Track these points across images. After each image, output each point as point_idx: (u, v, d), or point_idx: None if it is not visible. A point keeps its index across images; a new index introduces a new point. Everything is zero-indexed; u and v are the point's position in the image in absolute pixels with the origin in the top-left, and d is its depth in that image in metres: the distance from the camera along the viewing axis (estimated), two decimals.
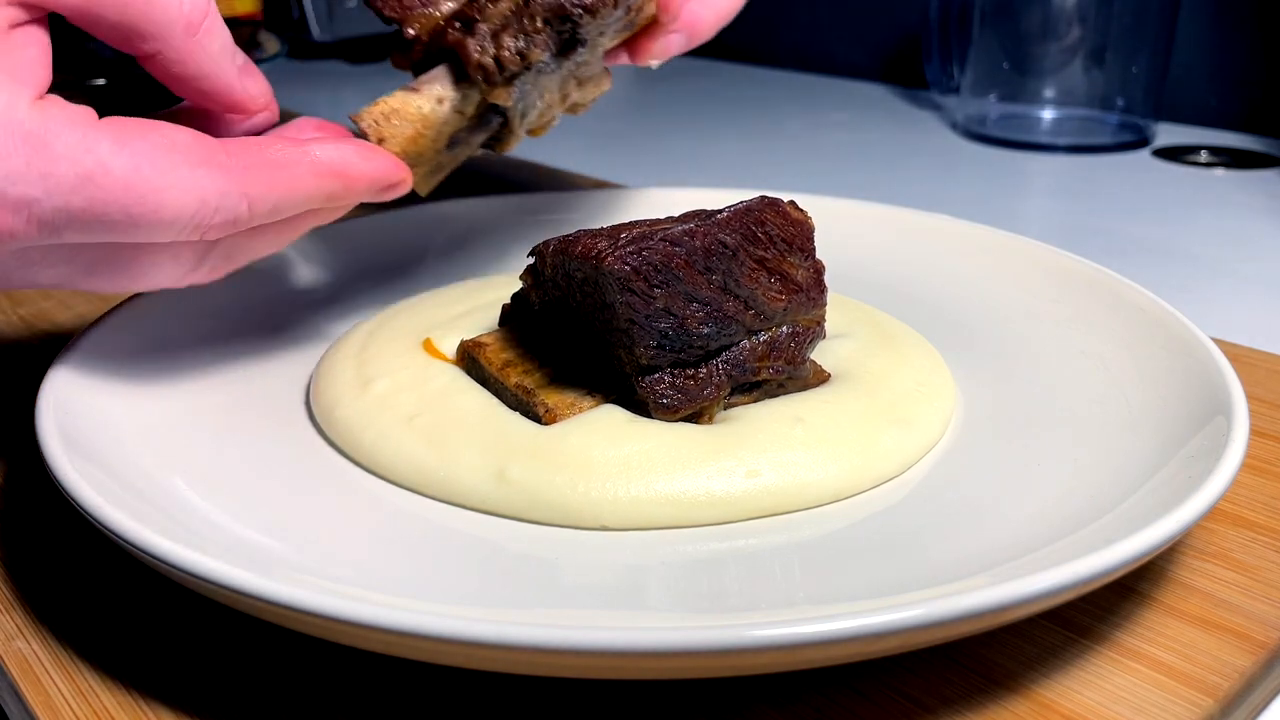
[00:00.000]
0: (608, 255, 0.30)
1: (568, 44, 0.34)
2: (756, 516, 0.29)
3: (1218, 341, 0.39)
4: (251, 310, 0.41)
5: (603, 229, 0.32)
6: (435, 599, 0.26)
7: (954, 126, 0.91)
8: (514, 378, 0.33)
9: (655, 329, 0.30)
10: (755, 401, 0.33)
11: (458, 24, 0.34)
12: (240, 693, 0.25)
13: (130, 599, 0.29)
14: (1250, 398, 0.30)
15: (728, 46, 1.13)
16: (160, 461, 0.30)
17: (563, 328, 0.34)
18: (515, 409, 0.32)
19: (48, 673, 0.26)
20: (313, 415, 0.34)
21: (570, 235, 0.33)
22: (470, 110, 0.35)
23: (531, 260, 0.35)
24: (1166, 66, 0.83)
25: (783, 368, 0.33)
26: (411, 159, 0.34)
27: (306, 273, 0.45)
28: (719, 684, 0.25)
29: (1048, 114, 0.86)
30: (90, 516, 0.25)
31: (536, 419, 0.31)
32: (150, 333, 0.37)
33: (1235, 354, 0.40)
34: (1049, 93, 0.85)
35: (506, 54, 0.33)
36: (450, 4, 0.36)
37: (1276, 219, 0.65)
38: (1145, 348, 0.34)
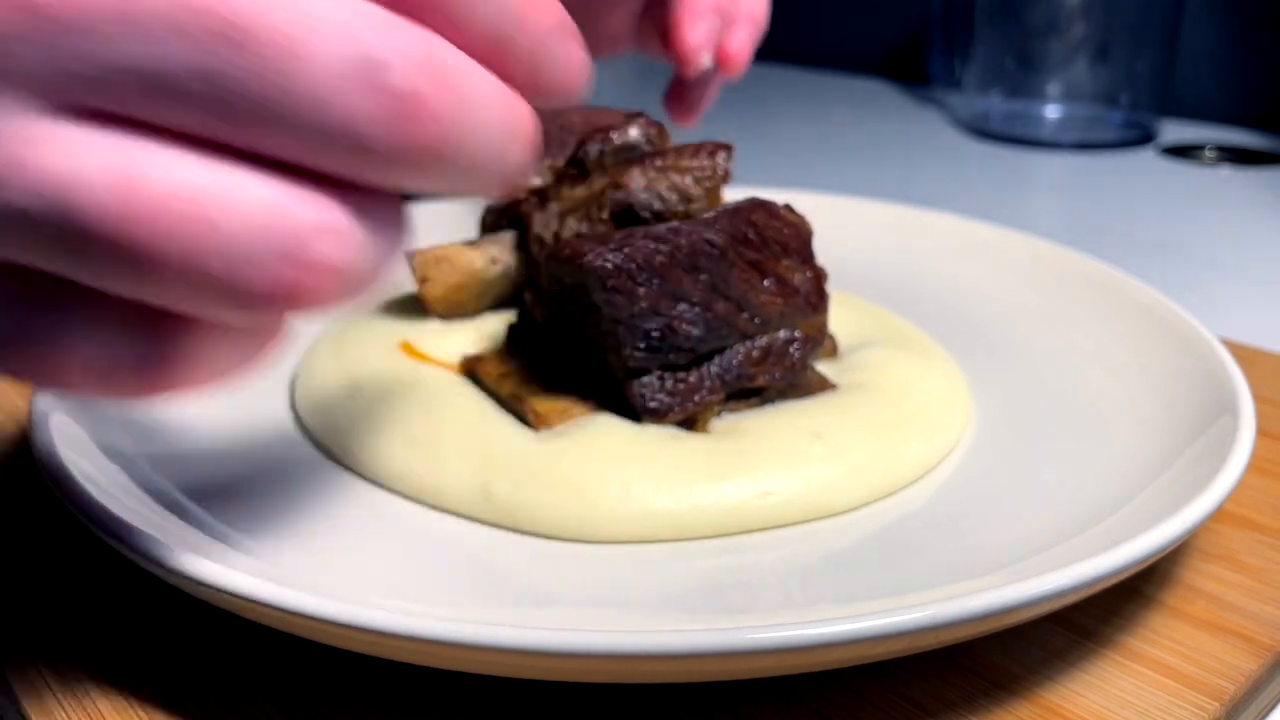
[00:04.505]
0: (588, 254, 0.30)
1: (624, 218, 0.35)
2: (763, 529, 0.29)
3: (1224, 341, 0.39)
4: None
5: (595, 234, 0.33)
6: (426, 602, 0.25)
7: (957, 123, 0.90)
8: (508, 387, 0.33)
9: (641, 329, 0.30)
10: (755, 408, 0.33)
11: (535, 198, 0.36)
12: (237, 694, 0.25)
13: (126, 600, 0.28)
14: (1257, 398, 0.29)
15: None
16: (149, 462, 0.30)
17: (564, 339, 0.34)
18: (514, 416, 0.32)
19: (41, 675, 0.26)
20: (301, 415, 0.34)
21: (562, 241, 0.33)
22: (519, 279, 0.37)
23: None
24: (1172, 62, 0.83)
25: (780, 375, 0.32)
26: (448, 305, 0.37)
27: None
28: (718, 685, 0.25)
29: (1052, 111, 0.85)
30: (85, 517, 0.25)
31: (532, 426, 0.31)
32: None
33: (1242, 354, 0.40)
34: (1053, 89, 0.85)
35: (567, 234, 0.35)
36: (536, 180, 0.38)
37: None
38: (1150, 347, 0.34)
